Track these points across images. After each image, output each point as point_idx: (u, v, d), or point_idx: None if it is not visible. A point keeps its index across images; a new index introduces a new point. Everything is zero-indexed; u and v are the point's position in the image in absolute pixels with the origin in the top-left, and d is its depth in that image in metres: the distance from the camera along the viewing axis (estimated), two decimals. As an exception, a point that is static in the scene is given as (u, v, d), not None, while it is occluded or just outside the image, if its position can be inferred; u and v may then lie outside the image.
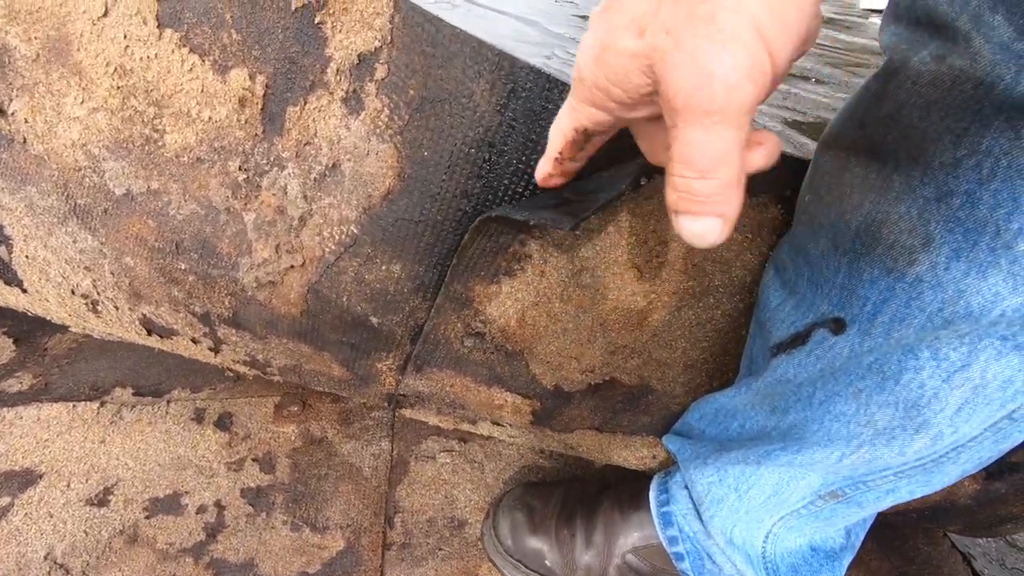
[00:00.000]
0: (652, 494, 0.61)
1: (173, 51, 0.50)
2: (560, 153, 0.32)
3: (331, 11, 0.42)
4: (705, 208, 0.25)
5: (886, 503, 0.48)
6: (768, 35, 0.22)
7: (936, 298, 0.36)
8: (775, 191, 0.47)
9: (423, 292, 0.49)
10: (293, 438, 0.79)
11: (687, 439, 0.60)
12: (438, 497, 0.75)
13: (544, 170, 0.34)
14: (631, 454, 0.65)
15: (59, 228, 0.58)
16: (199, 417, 0.79)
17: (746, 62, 0.22)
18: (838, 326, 0.43)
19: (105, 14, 0.51)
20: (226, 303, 0.55)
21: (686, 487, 0.58)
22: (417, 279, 0.48)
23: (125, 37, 0.51)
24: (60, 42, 0.53)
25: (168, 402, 0.80)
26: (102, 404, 0.79)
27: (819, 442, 0.46)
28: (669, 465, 0.67)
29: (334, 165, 0.46)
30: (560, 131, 0.32)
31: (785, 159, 0.46)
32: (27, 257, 0.61)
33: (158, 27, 0.50)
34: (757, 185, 0.46)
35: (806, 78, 0.80)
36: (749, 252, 0.50)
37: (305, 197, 0.48)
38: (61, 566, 0.63)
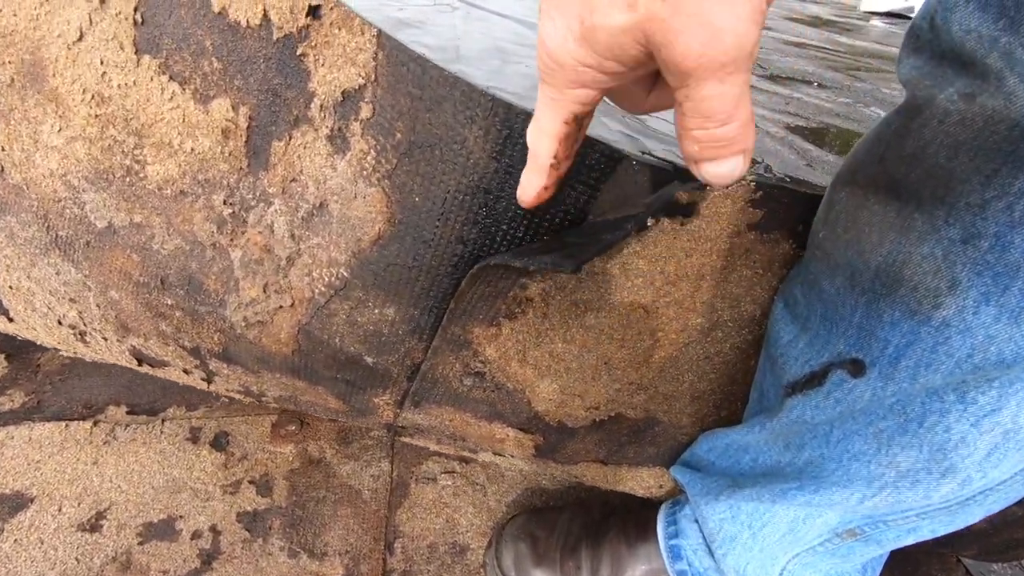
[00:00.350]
0: (660, 526, 0.59)
1: (152, 78, 0.47)
2: (555, 157, 0.31)
3: (313, 43, 0.39)
4: (730, 150, 0.26)
5: (906, 541, 0.46)
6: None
7: (965, 344, 0.35)
8: (787, 226, 0.44)
9: (419, 334, 0.46)
10: (291, 459, 0.77)
11: (696, 471, 0.58)
12: (439, 521, 0.73)
13: (536, 185, 0.32)
14: (637, 485, 0.63)
15: (41, 259, 0.55)
16: (195, 437, 0.77)
17: (748, 8, 0.22)
18: (856, 368, 0.41)
19: (80, 38, 0.48)
20: (215, 339, 0.53)
21: (696, 521, 0.56)
22: (412, 322, 0.45)
23: (102, 63, 0.48)
24: (35, 67, 0.50)
25: (163, 421, 0.78)
26: (95, 423, 0.77)
27: (838, 482, 0.44)
28: (676, 493, 0.65)
29: (321, 204, 0.43)
30: (546, 133, 0.30)
31: (797, 194, 0.44)
32: (11, 287, 0.58)
33: (135, 53, 0.47)
34: (769, 221, 0.43)
35: (808, 82, 0.77)
36: (759, 287, 0.47)
37: (292, 236, 0.45)
38: None
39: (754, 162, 0.52)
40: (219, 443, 0.77)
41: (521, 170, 0.33)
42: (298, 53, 0.40)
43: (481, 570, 0.67)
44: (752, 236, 0.43)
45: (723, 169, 0.26)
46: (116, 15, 0.46)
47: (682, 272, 0.43)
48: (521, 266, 0.36)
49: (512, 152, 0.37)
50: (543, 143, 0.30)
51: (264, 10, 0.41)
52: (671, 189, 0.39)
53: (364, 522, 0.72)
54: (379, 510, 0.73)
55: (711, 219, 0.41)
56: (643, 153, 0.40)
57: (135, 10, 0.46)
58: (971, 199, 0.33)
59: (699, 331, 0.49)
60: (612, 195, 0.39)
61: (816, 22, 1.23)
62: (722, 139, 0.25)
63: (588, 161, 0.38)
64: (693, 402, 0.56)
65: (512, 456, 0.62)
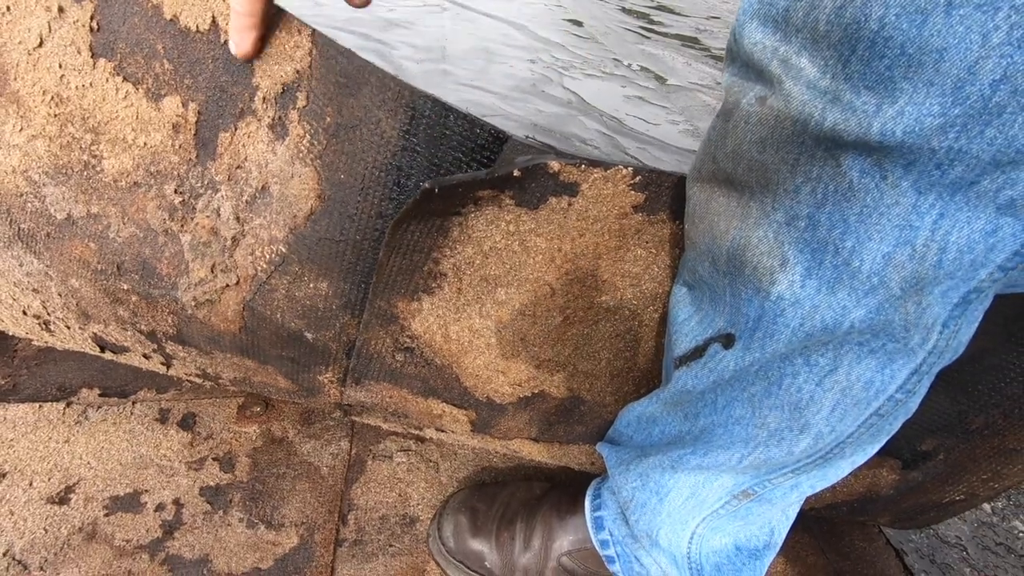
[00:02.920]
0: (587, 500, 0.61)
1: (107, 80, 0.49)
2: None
3: (253, 44, 0.42)
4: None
5: (793, 497, 0.50)
6: None
7: (796, 314, 0.38)
8: (670, 209, 0.48)
9: (351, 309, 0.49)
10: (254, 438, 0.78)
11: (616, 445, 0.60)
12: (392, 495, 0.74)
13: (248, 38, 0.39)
14: (571, 461, 0.66)
15: (5, 252, 0.57)
16: (163, 418, 0.77)
17: None
18: (728, 341, 0.44)
19: (40, 44, 0.50)
20: (169, 321, 0.55)
21: (614, 492, 0.58)
22: (344, 296, 0.48)
23: (60, 67, 0.50)
24: (-3, 71, 0.52)
25: (133, 403, 0.78)
26: (68, 404, 0.77)
27: (722, 445, 0.48)
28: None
29: (263, 187, 0.46)
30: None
31: (677, 178, 0.47)
32: (-24, 279, 0.60)
33: (92, 57, 0.49)
34: (653, 203, 0.47)
35: None
36: (655, 265, 0.51)
37: (237, 219, 0.47)
38: (19, 562, 0.62)
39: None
40: (186, 423, 0.78)
41: (425, 149, 0.36)
42: None
43: (426, 540, 0.70)
44: (639, 217, 0.46)
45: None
46: (74, 23, 0.48)
47: (578, 250, 0.46)
48: (423, 193, 0.38)
49: (417, 131, 0.40)
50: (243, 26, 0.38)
51: (213, 17, 0.44)
52: (543, 157, 0.42)
53: (320, 496, 0.73)
54: (336, 485, 0.75)
55: (595, 200, 0.44)
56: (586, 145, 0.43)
57: (91, 18, 0.48)
58: (786, 185, 0.36)
59: (606, 309, 0.52)
60: (502, 170, 0.42)
61: None
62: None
63: (480, 141, 0.41)
64: (613, 380, 0.59)
65: (453, 432, 0.65)
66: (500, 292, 0.47)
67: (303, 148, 0.43)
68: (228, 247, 0.48)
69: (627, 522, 0.56)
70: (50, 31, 0.49)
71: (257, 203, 0.47)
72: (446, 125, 0.40)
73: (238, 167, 0.47)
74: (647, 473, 0.53)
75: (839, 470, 0.46)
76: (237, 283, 0.49)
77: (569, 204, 0.44)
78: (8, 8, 0.49)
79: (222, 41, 0.44)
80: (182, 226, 0.50)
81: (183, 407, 0.80)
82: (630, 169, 0.43)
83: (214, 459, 0.75)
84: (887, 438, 0.44)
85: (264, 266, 0.48)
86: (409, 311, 0.49)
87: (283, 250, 0.46)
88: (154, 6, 0.46)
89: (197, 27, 0.45)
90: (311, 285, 0.47)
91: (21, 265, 0.57)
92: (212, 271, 0.50)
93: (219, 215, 0.48)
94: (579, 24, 1.59)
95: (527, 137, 0.41)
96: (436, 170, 0.41)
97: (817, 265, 0.36)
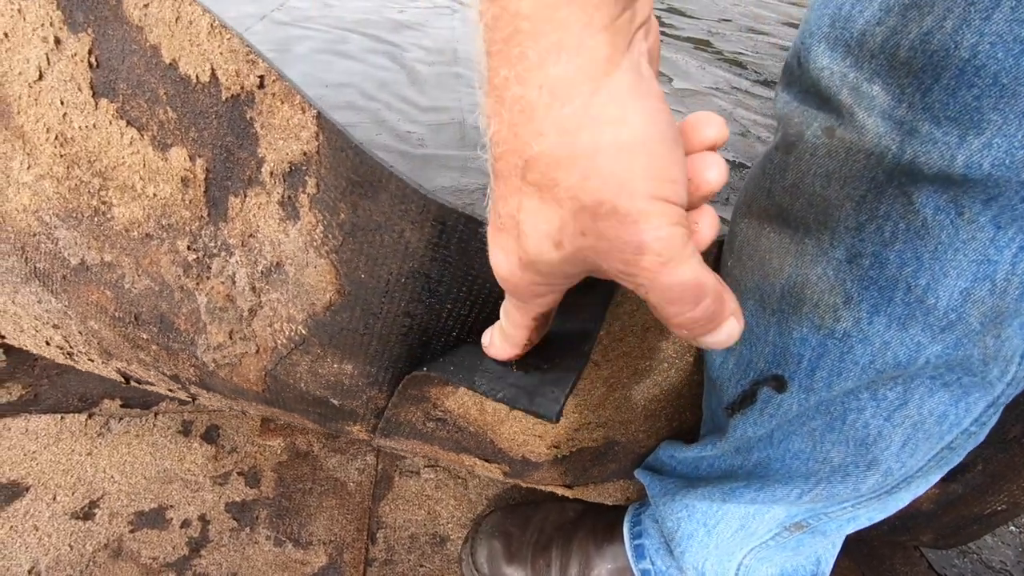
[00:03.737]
0: (626, 527, 0.59)
1: (111, 122, 0.44)
2: (529, 340, 0.31)
3: (259, 110, 0.36)
4: (716, 323, 0.25)
5: (848, 529, 0.48)
6: (663, 193, 0.21)
7: (866, 351, 0.36)
8: (713, 265, 0.43)
9: (379, 386, 0.45)
10: (279, 452, 0.77)
11: (658, 474, 0.57)
12: (421, 513, 0.73)
13: (509, 353, 0.32)
14: (605, 499, 0.63)
15: (23, 287, 0.54)
16: (186, 430, 0.76)
17: (662, 220, 0.22)
18: (779, 384, 0.42)
19: (40, 78, 0.45)
20: (191, 372, 0.52)
21: (657, 521, 0.56)
22: (370, 377, 0.44)
23: (62, 103, 0.45)
24: (1, 103, 0.47)
25: (156, 414, 0.77)
26: (90, 416, 0.76)
27: (780, 479, 0.45)
28: (644, 497, 0.65)
29: (278, 264, 0.41)
30: (518, 327, 0.30)
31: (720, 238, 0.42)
32: (1, 311, 0.58)
33: (93, 96, 0.44)
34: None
35: None
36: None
37: (253, 289, 0.43)
38: None
39: (745, 167, 0.49)
40: (210, 436, 0.77)
41: (458, 260, 0.32)
42: (247, 116, 0.38)
43: (458, 564, 0.69)
44: None
45: (721, 337, 0.25)
46: (72, 56, 0.43)
47: (627, 329, 0.42)
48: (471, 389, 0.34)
49: (448, 246, 0.35)
50: (517, 333, 0.31)
51: (212, 68, 0.38)
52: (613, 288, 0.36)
53: (348, 513, 0.73)
54: (363, 501, 0.74)
55: None
56: None
57: (89, 53, 0.42)
58: (848, 223, 0.34)
59: (647, 370, 0.48)
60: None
61: None
62: (701, 319, 0.24)
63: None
64: (647, 420, 0.55)
65: (485, 475, 0.63)
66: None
67: (317, 238, 0.38)
68: (245, 317, 0.44)
69: (672, 553, 0.55)
70: (49, 64, 0.44)
71: (273, 277, 0.42)
72: (481, 238, 0.34)
73: (251, 235, 0.42)
74: (694, 504, 0.51)
75: (900, 502, 0.44)
76: (257, 352, 0.46)
77: (623, 294, 0.39)
78: (6, 35, 0.44)
79: (223, 97, 0.39)
80: (197, 284, 0.46)
81: (206, 419, 0.79)
82: None
83: (239, 474, 0.74)
84: (951, 467, 0.41)
85: (284, 341, 0.44)
86: (443, 394, 0.45)
87: (303, 331, 0.42)
88: (152, 46, 0.40)
89: (197, 77, 0.39)
90: (335, 365, 0.44)
91: (40, 302, 0.55)
92: (231, 337, 0.46)
93: (234, 282, 0.44)
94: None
95: None
96: (472, 277, 0.36)
97: (886, 302, 0.34)
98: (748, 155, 0.53)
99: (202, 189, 0.43)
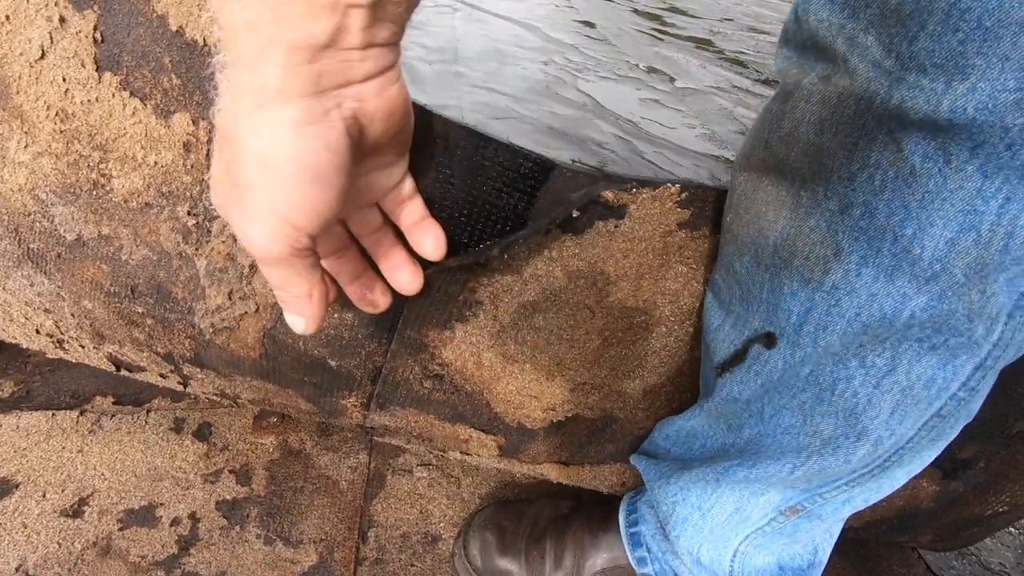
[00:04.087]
0: (621, 515, 0.59)
1: (114, 95, 0.46)
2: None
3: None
4: (291, 308, 0.33)
5: (845, 512, 0.47)
6: (289, 217, 0.28)
7: (852, 303, 0.36)
8: (713, 223, 0.45)
9: (377, 338, 0.46)
10: (271, 450, 0.75)
11: (653, 458, 0.57)
12: (413, 512, 0.72)
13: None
14: (601, 483, 0.63)
15: (15, 271, 0.54)
16: (178, 427, 0.75)
17: (266, 232, 0.28)
18: (770, 340, 0.42)
19: (42, 56, 0.47)
20: (186, 345, 0.52)
21: (653, 506, 0.56)
22: (370, 326, 0.45)
23: (64, 80, 0.47)
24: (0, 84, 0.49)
25: (148, 411, 0.76)
26: (82, 412, 0.74)
27: (772, 455, 0.45)
28: (639, 487, 0.65)
29: (281, 215, 0.43)
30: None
31: (720, 191, 0.44)
32: (-14, 299, 0.57)
33: (97, 70, 0.45)
34: (696, 219, 0.44)
35: None
36: (694, 281, 0.48)
37: (254, 245, 0.45)
38: None
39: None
40: (202, 433, 0.76)
41: (460, 181, 0.33)
42: None
43: (451, 559, 0.68)
44: (683, 234, 0.43)
45: (289, 319, 0.34)
46: (76, 33, 0.45)
47: (621, 272, 0.43)
48: (468, 262, 0.36)
49: (450, 163, 0.37)
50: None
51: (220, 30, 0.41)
52: (597, 188, 0.39)
53: (340, 511, 0.71)
54: (355, 500, 0.73)
55: (642, 220, 0.41)
56: (577, 163, 0.40)
57: (94, 29, 0.44)
58: (841, 172, 0.34)
59: (643, 327, 0.49)
60: (548, 201, 0.39)
61: None
62: (284, 301, 0.33)
63: (523, 171, 0.38)
64: (646, 397, 0.56)
65: (478, 456, 0.62)
66: (538, 318, 0.44)
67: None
68: (246, 274, 0.45)
69: (667, 538, 0.54)
70: (52, 42, 0.46)
71: (276, 228, 0.43)
72: (484, 156, 0.37)
73: (255, 189, 0.44)
74: (688, 487, 0.51)
75: (895, 480, 0.44)
76: (256, 311, 0.46)
77: (616, 227, 0.40)
78: (8, 17, 0.46)
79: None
80: (197, 249, 0.47)
81: (198, 416, 0.78)
82: (677, 186, 0.40)
83: (230, 471, 0.73)
84: (945, 444, 0.41)
85: (284, 294, 0.45)
86: (440, 340, 0.46)
87: (304, 278, 0.43)
88: (159, 16, 0.42)
89: (204, 40, 0.41)
90: (335, 315, 0.44)
91: (32, 285, 0.55)
92: (229, 298, 0.47)
93: (235, 240, 0.45)
94: (591, 26, 1.54)
95: (574, 162, 0.38)
96: (473, 202, 0.38)
97: (874, 253, 0.34)
98: None
99: (204, 152, 0.44)
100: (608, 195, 0.39)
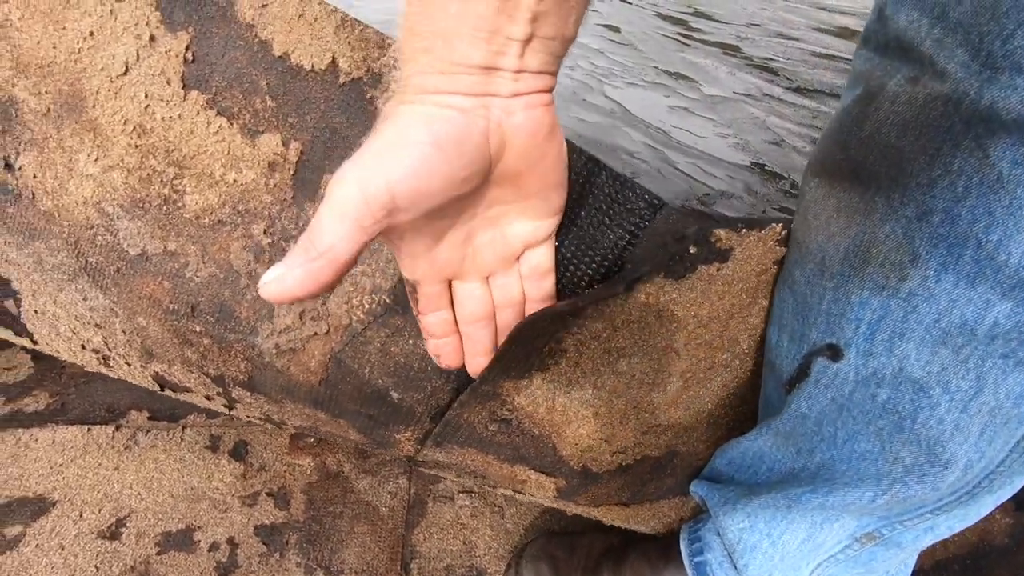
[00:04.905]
0: (683, 544, 0.56)
1: (198, 112, 0.45)
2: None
3: (386, 88, 0.38)
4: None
5: (925, 541, 0.44)
6: (389, 176, 0.27)
7: (931, 310, 0.35)
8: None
9: (447, 374, 0.45)
10: (308, 471, 0.73)
11: (715, 484, 0.55)
12: (456, 543, 0.69)
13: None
14: (658, 521, 0.60)
15: (69, 285, 0.52)
16: (214, 445, 0.73)
17: (355, 181, 0.27)
18: (834, 352, 0.40)
19: (125, 72, 0.46)
20: (241, 367, 0.50)
21: (718, 534, 0.53)
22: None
23: (146, 96, 0.46)
24: (74, 97, 0.48)
25: (183, 428, 0.73)
26: (117, 428, 0.72)
27: (849, 482, 0.43)
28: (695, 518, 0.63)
29: (368, 238, 0.42)
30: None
31: None
32: (36, 312, 0.55)
33: (183, 88, 0.44)
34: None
35: (835, 95, 0.76)
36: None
37: (333, 268, 0.43)
38: None
39: (781, 177, 0.51)
40: (238, 453, 0.73)
41: (584, 221, 0.32)
42: (367, 96, 0.39)
43: (499, 589, 0.65)
44: (775, 270, 0.42)
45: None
46: (165, 52, 0.44)
47: (714, 314, 0.42)
48: (566, 309, 0.35)
49: (585, 204, 0.36)
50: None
51: (333, 57, 0.40)
52: (708, 227, 0.38)
53: (381, 540, 0.69)
54: (396, 528, 0.70)
55: (743, 262, 0.40)
56: (699, 204, 0.39)
57: (186, 48, 0.44)
58: (920, 179, 0.34)
59: (723, 365, 0.48)
60: (651, 242, 0.38)
61: (844, 33, 1.17)
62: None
63: (629, 205, 0.37)
64: (708, 428, 0.54)
65: (532, 497, 0.60)
66: (622, 363, 0.43)
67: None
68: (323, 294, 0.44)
69: (735, 566, 0.51)
70: (137, 59, 0.45)
71: (360, 252, 0.42)
72: (593, 182, 0.35)
73: (339, 211, 0.43)
74: (757, 513, 0.48)
75: (982, 507, 0.42)
76: (327, 332, 0.45)
77: (718, 270, 0.39)
78: (91, 33, 0.45)
79: (340, 82, 0.40)
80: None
81: (234, 434, 0.75)
82: (780, 225, 0.39)
83: (268, 494, 0.70)
84: None
85: (361, 316, 0.43)
86: (515, 388, 0.44)
87: (388, 300, 0.42)
88: (261, 41, 0.41)
89: (312, 66, 0.40)
90: (410, 341, 0.43)
91: (85, 299, 0.53)
92: (300, 318, 0.45)
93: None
94: (616, 30, 1.52)
95: (683, 205, 0.37)
96: (575, 233, 0.37)
97: (955, 259, 0.33)
98: (783, 165, 0.55)
99: (291, 172, 0.43)
100: (720, 234, 0.38)
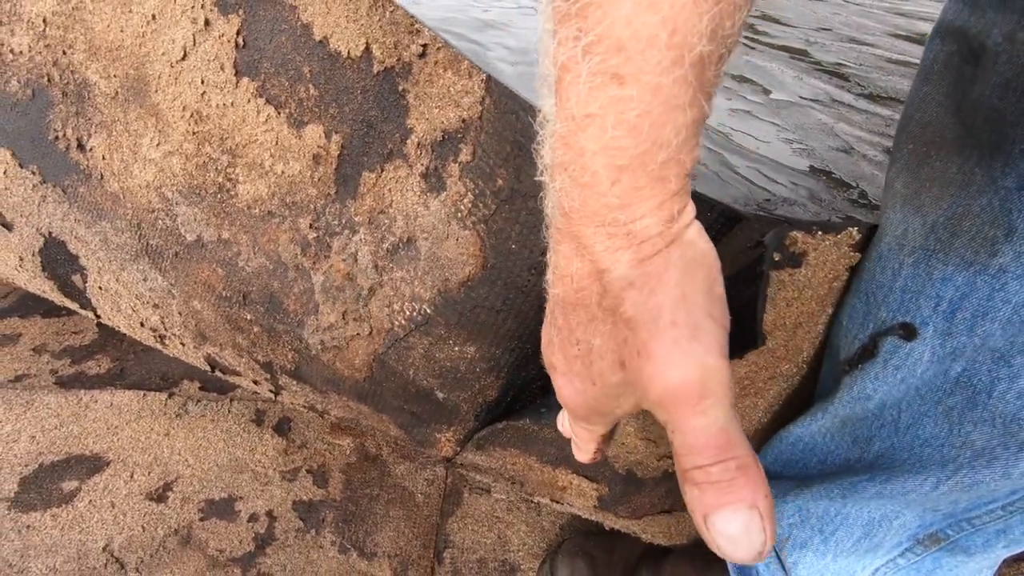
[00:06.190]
0: None
1: (249, 100, 0.44)
2: (599, 450, 0.32)
3: (416, 80, 0.36)
4: (734, 495, 0.22)
5: (998, 549, 0.39)
6: (716, 317, 0.23)
7: (1022, 288, 0.32)
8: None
9: (497, 372, 0.43)
10: (348, 452, 0.75)
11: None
12: (491, 536, 0.69)
13: (585, 460, 0.33)
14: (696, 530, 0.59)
15: (131, 265, 0.54)
16: (259, 419, 0.75)
17: (714, 345, 0.22)
18: (908, 331, 0.37)
19: (184, 57, 0.46)
20: (289, 357, 0.51)
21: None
22: (492, 360, 0.42)
23: (203, 82, 0.46)
24: (139, 82, 0.48)
25: (231, 400, 0.77)
26: (170, 395, 0.76)
27: (910, 469, 0.38)
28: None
29: (409, 240, 0.40)
30: (587, 442, 0.31)
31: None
32: (100, 288, 0.58)
33: (235, 75, 0.44)
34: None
35: (902, 101, 0.70)
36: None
37: (376, 267, 0.42)
38: (117, 560, 0.60)
39: (848, 186, 0.47)
40: (281, 428, 0.76)
41: None
42: (399, 88, 0.37)
43: (532, 586, 0.64)
44: (847, 277, 0.38)
45: (732, 527, 0.22)
46: (219, 37, 0.44)
47: (780, 322, 0.39)
48: None
49: None
50: (588, 449, 0.32)
51: (367, 43, 0.38)
52: (783, 231, 0.35)
53: (415, 526, 0.70)
54: (431, 516, 0.71)
55: (816, 268, 0.37)
56: (759, 210, 0.35)
57: (237, 33, 0.43)
58: (1023, 145, 0.31)
59: (784, 377, 0.44)
60: (725, 255, 0.35)
61: (923, 40, 1.12)
62: (720, 480, 0.22)
63: (706, 221, 0.34)
64: (756, 435, 0.52)
65: (570, 507, 0.58)
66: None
67: (463, 208, 0.36)
68: (364, 296, 0.43)
69: (783, 566, 0.47)
70: (195, 44, 0.45)
71: (400, 255, 0.41)
72: None
73: (381, 212, 0.41)
74: (807, 506, 0.44)
75: None
76: (370, 334, 0.44)
77: (791, 276, 0.36)
78: (154, 16, 0.45)
79: (374, 71, 0.39)
80: (314, 264, 0.45)
81: (278, 410, 0.78)
82: (856, 229, 0.36)
83: (307, 471, 0.72)
84: None
85: (403, 322, 0.42)
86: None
87: (428, 311, 0.41)
88: (304, 25, 0.40)
89: (348, 52, 0.39)
90: (456, 348, 0.42)
91: (145, 280, 0.55)
92: (343, 317, 0.45)
93: (356, 260, 0.43)
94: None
95: (756, 213, 0.34)
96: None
97: None
98: (852, 174, 0.50)
99: (333, 167, 0.42)
100: (796, 236, 0.35)
